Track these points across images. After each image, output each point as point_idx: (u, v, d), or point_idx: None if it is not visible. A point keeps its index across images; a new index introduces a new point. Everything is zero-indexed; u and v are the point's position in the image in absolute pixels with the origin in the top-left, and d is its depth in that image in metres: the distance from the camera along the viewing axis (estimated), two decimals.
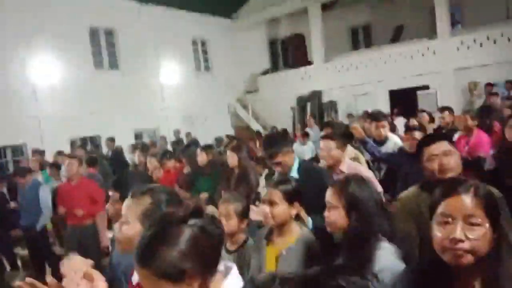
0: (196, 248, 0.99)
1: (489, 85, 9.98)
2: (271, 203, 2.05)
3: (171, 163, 5.66)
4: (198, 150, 5.15)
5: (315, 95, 13.91)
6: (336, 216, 1.73)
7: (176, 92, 13.35)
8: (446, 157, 1.95)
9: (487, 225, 1.15)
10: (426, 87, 11.95)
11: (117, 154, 9.37)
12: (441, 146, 1.99)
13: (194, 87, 13.93)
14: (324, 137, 3.33)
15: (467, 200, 1.17)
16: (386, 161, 4.12)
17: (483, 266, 1.16)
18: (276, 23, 16.66)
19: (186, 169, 5.37)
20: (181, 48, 14.02)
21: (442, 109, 5.89)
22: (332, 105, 13.64)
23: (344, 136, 3.62)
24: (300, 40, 15.81)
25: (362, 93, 13.19)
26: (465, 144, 4.42)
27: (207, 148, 5.27)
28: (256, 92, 16.03)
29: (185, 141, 11.03)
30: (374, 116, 4.94)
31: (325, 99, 13.94)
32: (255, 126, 14.56)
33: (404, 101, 11.31)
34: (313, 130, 9.56)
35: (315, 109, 13.56)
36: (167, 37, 13.17)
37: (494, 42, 11.00)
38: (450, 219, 1.17)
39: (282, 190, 2.08)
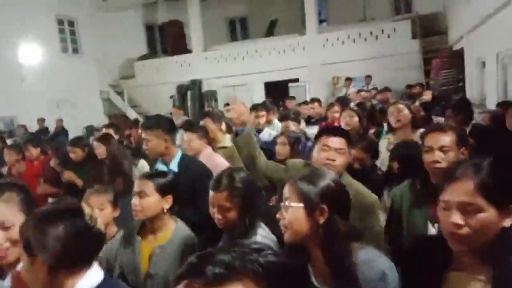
0: (65, 245, 1.16)
1: (348, 79, 11.25)
2: (141, 194, 1.94)
3: (35, 152, 5.04)
4: (95, 142, 4.58)
5: (195, 84, 13.86)
6: (232, 216, 1.76)
7: (38, 75, 11.84)
8: (336, 154, 1.98)
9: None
10: (296, 80, 12.88)
11: None
12: (336, 141, 2.00)
13: (60, 70, 12.52)
14: (185, 129, 3.31)
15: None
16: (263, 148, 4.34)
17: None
18: (154, 8, 16.04)
19: (53, 162, 4.85)
20: (44, 26, 12.53)
21: (312, 100, 6.45)
22: (212, 94, 13.78)
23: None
24: (179, 27, 15.53)
25: (240, 84, 13.59)
26: None
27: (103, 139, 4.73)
28: (132, 78, 15.29)
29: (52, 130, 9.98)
30: (252, 106, 5.16)
31: (205, 88, 14.01)
32: (132, 114, 13.89)
33: (278, 92, 12.01)
34: (180, 119, 9.58)
35: (195, 98, 13.54)
36: (26, 12, 11.64)
37: (354, 41, 12.37)
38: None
39: (154, 181, 1.97)
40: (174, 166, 2.63)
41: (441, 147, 1.84)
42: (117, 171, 3.82)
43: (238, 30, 16.80)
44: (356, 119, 3.79)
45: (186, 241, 1.95)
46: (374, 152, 3.08)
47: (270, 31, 15.27)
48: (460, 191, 1.14)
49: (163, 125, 2.65)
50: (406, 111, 3.34)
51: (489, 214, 1.10)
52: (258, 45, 13.73)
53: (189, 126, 3.40)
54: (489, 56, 6.10)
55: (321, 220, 1.34)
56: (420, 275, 1.29)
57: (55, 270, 1.18)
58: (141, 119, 11.41)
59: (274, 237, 1.77)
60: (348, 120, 3.80)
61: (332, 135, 2.04)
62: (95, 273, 1.25)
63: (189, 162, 2.68)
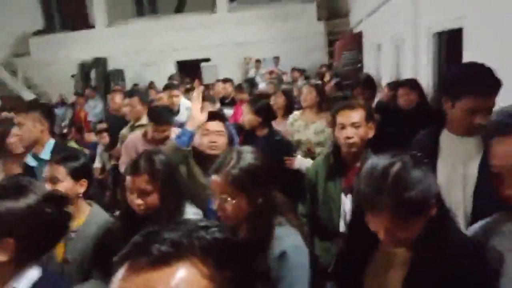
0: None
1: (257, 61, 11.52)
2: (53, 180, 1.84)
3: None
4: None
5: (100, 62, 13.01)
6: (153, 200, 1.71)
7: None
8: (217, 136, 2.28)
9: None
10: (208, 60, 12.78)
11: None
12: (215, 125, 2.30)
13: None
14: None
15: None
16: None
17: None
18: None
19: None
20: None
21: (224, 81, 6.53)
22: (119, 73, 13.07)
23: None
24: (79, 0, 14.31)
25: (149, 62, 13.08)
26: (242, 111, 5.11)
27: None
28: (27, 55, 13.81)
29: None
30: (166, 86, 5.11)
31: (111, 66, 13.22)
32: (28, 96, 12.61)
33: (190, 71, 11.85)
34: (95, 101, 9.11)
35: (100, 77, 12.74)
36: None
37: (263, 21, 12.59)
38: None
39: (66, 166, 1.88)
40: (46, 155, 2.51)
41: (353, 123, 1.99)
42: None
43: (145, 5, 16.01)
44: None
45: (102, 224, 1.90)
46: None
47: (179, 8, 14.84)
48: None
49: (41, 107, 2.57)
50: (314, 93, 3.61)
51: None
52: (167, 21, 13.25)
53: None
54: (384, 40, 6.73)
55: (259, 201, 1.43)
56: (352, 253, 1.34)
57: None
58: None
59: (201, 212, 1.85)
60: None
61: (210, 119, 2.29)
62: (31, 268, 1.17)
63: (63, 151, 2.58)
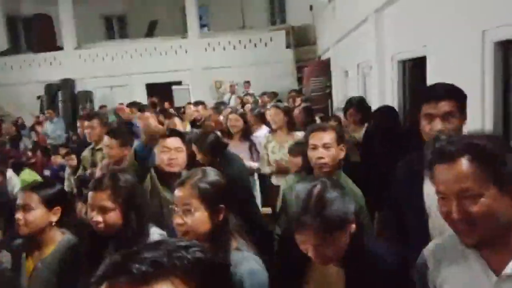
0: None
1: (232, 85, 11.65)
2: (25, 208, 1.79)
3: None
4: None
5: (67, 84, 12.77)
6: (114, 218, 1.65)
7: None
8: (176, 153, 2.29)
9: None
10: (179, 83, 12.82)
11: None
12: (173, 141, 2.31)
13: None
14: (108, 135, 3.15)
15: None
16: None
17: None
18: None
19: None
20: None
21: (196, 103, 6.56)
22: (87, 95, 12.85)
23: None
24: (47, 22, 14.09)
25: (118, 84, 12.95)
26: None
27: None
28: None
29: None
30: (139, 107, 5.09)
31: (79, 88, 12.99)
32: None
33: (160, 94, 11.78)
34: (55, 123, 8.87)
35: (67, 99, 12.47)
36: None
37: (234, 47, 12.86)
38: None
39: (40, 193, 1.83)
40: None
41: (324, 144, 2.05)
42: None
43: (115, 28, 16.00)
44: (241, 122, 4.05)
45: (69, 250, 1.84)
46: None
47: (150, 32, 14.90)
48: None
49: None
50: (281, 115, 3.70)
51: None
52: (138, 45, 13.28)
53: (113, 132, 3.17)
54: (351, 66, 6.99)
55: (220, 219, 1.45)
56: (289, 263, 1.40)
57: None
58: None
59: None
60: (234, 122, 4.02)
61: (168, 136, 2.31)
62: None
63: None
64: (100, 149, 3.91)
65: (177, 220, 1.42)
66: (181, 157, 2.30)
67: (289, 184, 2.33)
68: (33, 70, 13.15)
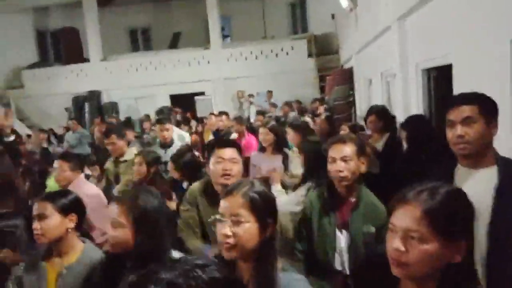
0: None
1: (250, 95, 11.72)
2: (41, 217, 1.82)
3: None
4: None
5: (94, 95, 13.10)
6: (122, 235, 1.58)
7: None
8: (231, 164, 2.13)
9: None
10: (202, 93, 12.96)
11: None
12: (229, 152, 2.15)
13: None
14: (60, 158, 3.32)
15: None
16: None
17: None
18: (45, 13, 14.86)
19: None
20: None
21: (220, 114, 6.59)
22: (113, 106, 13.13)
23: None
24: (74, 35, 14.57)
25: (143, 96, 13.20)
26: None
27: None
28: (21, 88, 13.87)
29: None
30: (159, 120, 5.11)
31: (105, 99, 13.30)
32: (21, 129, 12.54)
33: (184, 105, 11.95)
34: (77, 133, 9.02)
35: (94, 110, 12.78)
36: None
37: (256, 57, 12.92)
38: None
39: (54, 202, 1.87)
40: None
41: (343, 157, 2.00)
42: (7, 191, 3.48)
43: (140, 40, 16.36)
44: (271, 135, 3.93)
45: (96, 261, 1.84)
46: None
47: (173, 44, 15.17)
48: (407, 216, 1.07)
49: None
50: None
51: (432, 245, 1.04)
52: (162, 56, 13.51)
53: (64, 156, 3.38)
54: (375, 75, 6.88)
55: (267, 235, 1.32)
56: None
57: None
58: (30, 133, 10.43)
59: None
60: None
61: (223, 146, 2.20)
62: None
63: None
64: (124, 161, 3.98)
65: (224, 230, 1.29)
66: (236, 169, 2.14)
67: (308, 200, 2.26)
68: (60, 81, 13.56)
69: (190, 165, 3.25)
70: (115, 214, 1.61)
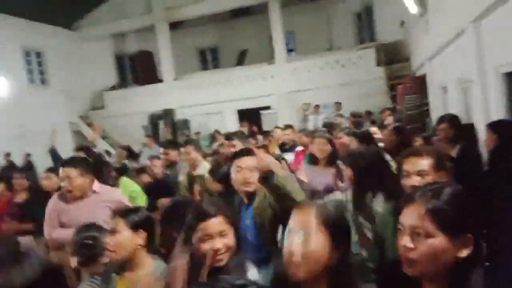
0: None
1: (316, 106, 11.56)
2: (113, 231, 1.86)
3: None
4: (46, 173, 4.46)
5: (168, 113, 13.86)
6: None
7: (4, 107, 11.55)
8: (249, 172, 2.25)
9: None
10: (268, 108, 13.10)
11: None
12: (247, 161, 2.28)
13: (27, 102, 12.28)
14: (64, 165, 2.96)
15: None
16: None
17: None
18: (123, 38, 16.11)
19: (20, 197, 4.63)
20: (10, 57, 12.27)
21: (286, 127, 6.59)
22: (185, 123, 13.78)
23: None
24: (148, 57, 15.61)
25: (212, 112, 13.68)
26: (303, 157, 5.03)
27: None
28: (102, 109, 15.11)
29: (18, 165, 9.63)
30: (226, 136, 5.23)
31: (178, 117, 14.00)
32: (103, 146, 13.57)
33: (250, 119, 12.16)
34: (151, 149, 9.44)
35: (168, 127, 13.51)
36: None
37: (321, 68, 12.79)
38: None
39: (125, 218, 1.91)
40: None
41: (419, 171, 1.77)
42: None
43: (209, 59, 17.07)
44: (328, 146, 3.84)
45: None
46: None
47: (240, 61, 15.60)
48: (412, 214, 1.10)
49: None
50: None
51: (438, 239, 1.05)
52: (229, 73, 13.95)
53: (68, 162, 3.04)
54: (450, 82, 6.45)
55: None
56: None
57: None
58: (112, 151, 11.25)
59: None
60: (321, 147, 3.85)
61: (240, 156, 2.32)
62: None
63: None
64: (199, 176, 4.02)
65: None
66: (254, 176, 2.29)
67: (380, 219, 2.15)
68: (137, 101, 14.51)
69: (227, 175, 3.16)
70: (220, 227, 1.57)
